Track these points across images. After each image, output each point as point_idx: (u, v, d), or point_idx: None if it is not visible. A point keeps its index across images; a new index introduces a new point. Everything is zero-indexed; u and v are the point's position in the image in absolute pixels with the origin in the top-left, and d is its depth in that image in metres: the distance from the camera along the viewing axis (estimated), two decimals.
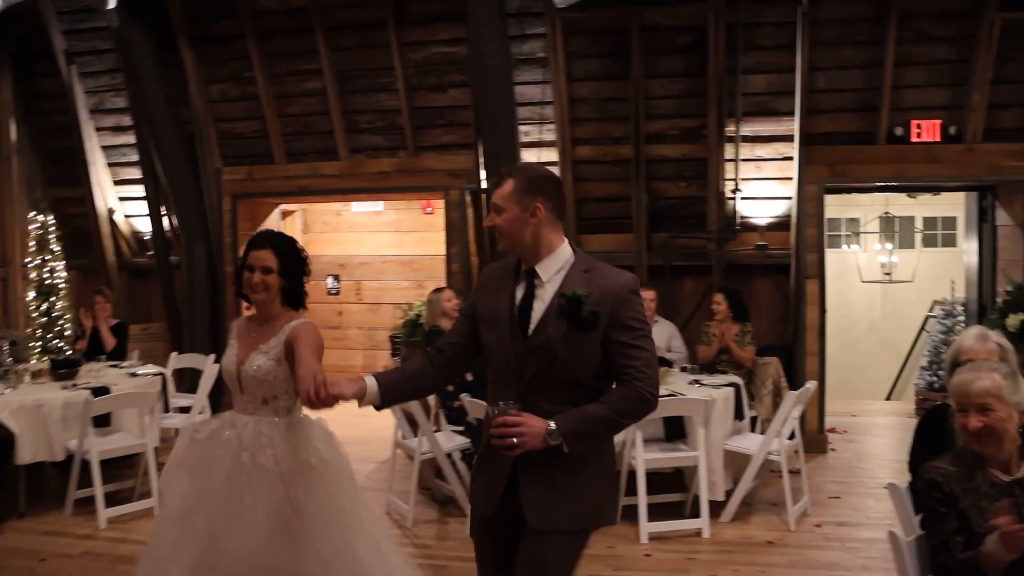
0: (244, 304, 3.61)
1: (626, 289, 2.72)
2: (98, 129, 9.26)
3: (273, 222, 9.44)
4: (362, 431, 8.38)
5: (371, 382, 2.78)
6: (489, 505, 2.79)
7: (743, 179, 7.78)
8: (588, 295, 2.66)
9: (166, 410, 6.97)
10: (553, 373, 2.69)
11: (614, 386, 2.73)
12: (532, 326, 2.72)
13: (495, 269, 2.94)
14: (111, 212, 9.47)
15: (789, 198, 7.77)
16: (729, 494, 5.65)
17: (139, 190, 9.27)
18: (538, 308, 2.73)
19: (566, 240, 2.84)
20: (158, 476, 5.98)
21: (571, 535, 2.76)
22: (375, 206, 10.31)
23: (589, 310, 2.65)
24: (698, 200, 7.96)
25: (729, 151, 7.70)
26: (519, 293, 2.79)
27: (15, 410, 5.78)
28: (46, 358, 8.13)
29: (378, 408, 2.87)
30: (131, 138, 9.11)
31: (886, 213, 12.32)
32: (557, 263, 2.77)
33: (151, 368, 7.08)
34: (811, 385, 5.87)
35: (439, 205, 9.54)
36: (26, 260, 8.94)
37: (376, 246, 10.39)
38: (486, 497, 2.81)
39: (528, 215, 2.73)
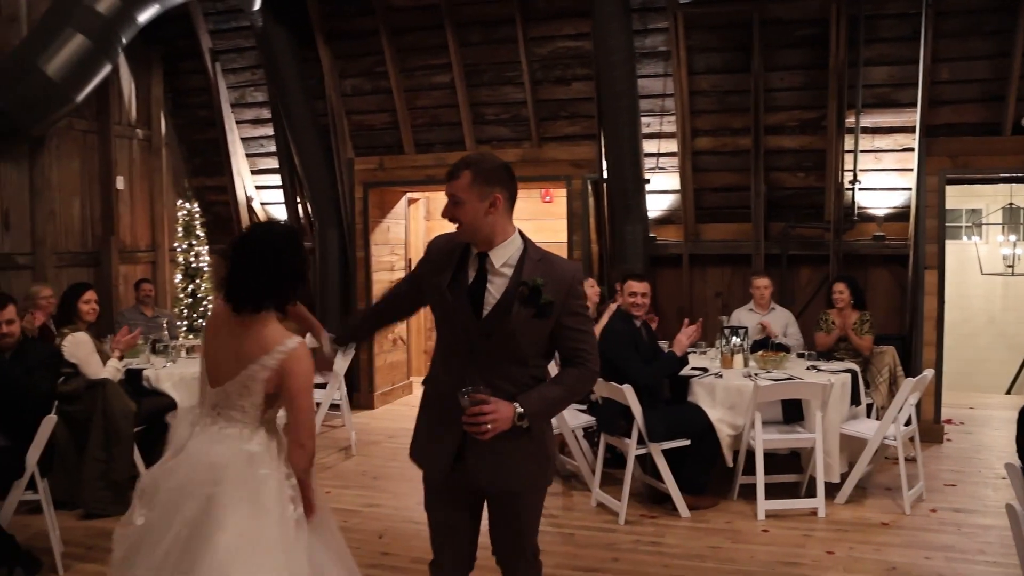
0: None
1: (575, 280, 2.95)
2: (239, 122, 9.88)
3: (400, 209, 9.91)
4: None
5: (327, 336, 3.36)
6: (439, 470, 3.02)
7: (862, 170, 7.84)
8: (545, 284, 2.86)
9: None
10: (505, 352, 2.90)
11: (564, 367, 3.00)
12: (486, 309, 2.90)
13: (444, 243, 3.07)
14: (250, 200, 10.09)
15: (908, 189, 7.81)
16: (844, 477, 5.82)
17: (276, 179, 9.86)
18: (493, 291, 2.91)
19: (517, 228, 2.98)
20: None
21: (532, 491, 3.06)
22: None
23: (547, 298, 2.87)
24: (816, 190, 8.07)
25: (848, 142, 7.78)
26: (471, 275, 2.95)
27: (176, 382, 6.36)
28: (192, 336, 8.79)
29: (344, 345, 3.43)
30: (269, 130, 9.70)
31: (1010, 204, 12.04)
32: (509, 250, 2.93)
33: None
34: (928, 373, 5.97)
35: (558, 194, 9.86)
36: (174, 245, 9.61)
37: None
38: (435, 462, 3.04)
39: (488, 205, 2.86)
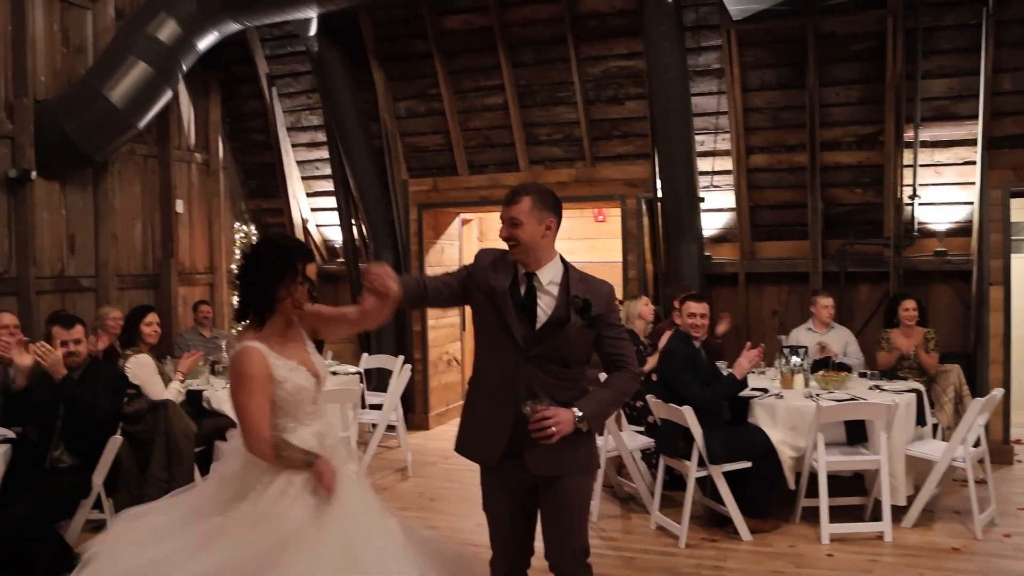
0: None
1: (612, 296, 3.33)
2: (295, 145, 10.02)
3: (454, 230, 9.95)
4: None
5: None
6: (492, 458, 3.27)
7: (921, 184, 7.70)
8: (592, 299, 3.20)
9: (362, 407, 7.54)
10: (553, 355, 3.22)
11: (609, 373, 3.34)
12: (539, 321, 3.21)
13: (491, 256, 3.34)
14: (305, 222, 10.22)
15: (970, 203, 7.64)
16: (911, 500, 5.68)
17: (331, 201, 9.97)
18: (543, 307, 3.23)
19: (558, 252, 3.32)
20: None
21: (581, 474, 3.31)
22: None
23: (596, 312, 3.21)
24: (874, 206, 7.94)
25: (907, 157, 7.65)
26: (522, 287, 3.25)
27: None
28: None
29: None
30: (324, 153, 9.82)
31: None
32: (553, 271, 3.26)
33: (349, 367, 7.66)
34: (997, 392, 5.81)
35: (611, 213, 9.83)
36: (231, 266, 9.75)
37: None
38: (487, 451, 3.29)
39: (544, 228, 3.22)
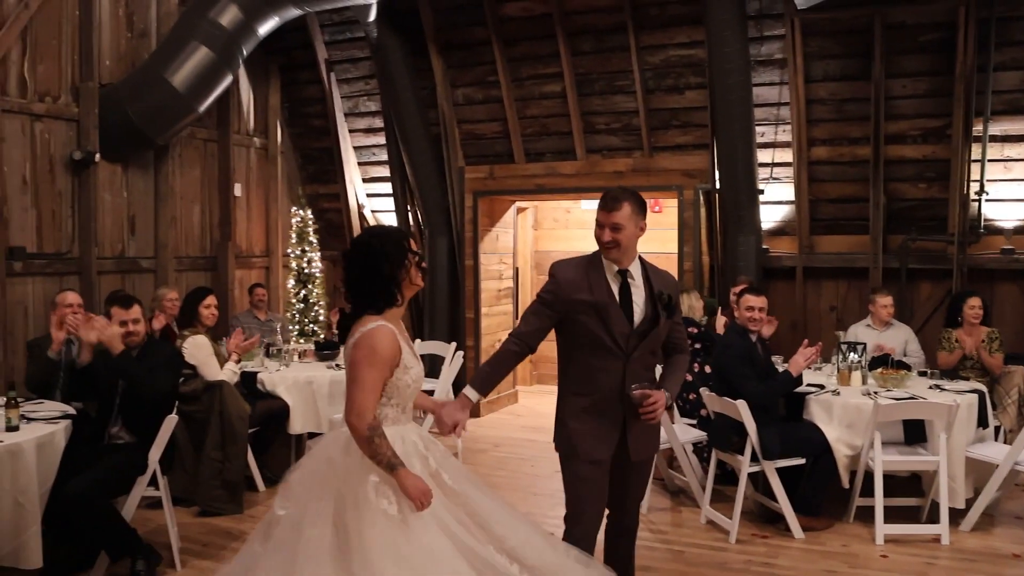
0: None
1: (676, 284, 3.73)
2: (352, 131, 10.08)
3: (509, 218, 9.94)
4: None
5: (472, 395, 3.45)
6: (609, 452, 3.52)
7: (989, 180, 7.49)
8: (665, 289, 3.57)
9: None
10: (649, 347, 3.55)
11: (670, 355, 3.73)
12: (636, 316, 3.50)
13: (572, 269, 3.56)
14: (361, 207, 10.28)
15: None
16: (970, 503, 5.52)
17: (387, 187, 10.02)
18: (636, 300, 3.52)
19: None
20: None
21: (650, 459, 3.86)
22: None
23: (674, 304, 3.60)
24: (939, 202, 7.74)
25: (975, 151, 7.44)
26: (615, 288, 3.49)
27: (289, 385, 6.51)
28: (302, 340, 8.99)
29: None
30: (381, 139, 9.86)
31: None
32: (636, 265, 3.56)
33: None
34: None
35: (668, 204, 9.71)
36: (287, 251, 9.85)
37: None
38: (605, 446, 3.52)
39: (639, 231, 3.51)
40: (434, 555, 2.81)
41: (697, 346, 6.52)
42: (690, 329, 6.70)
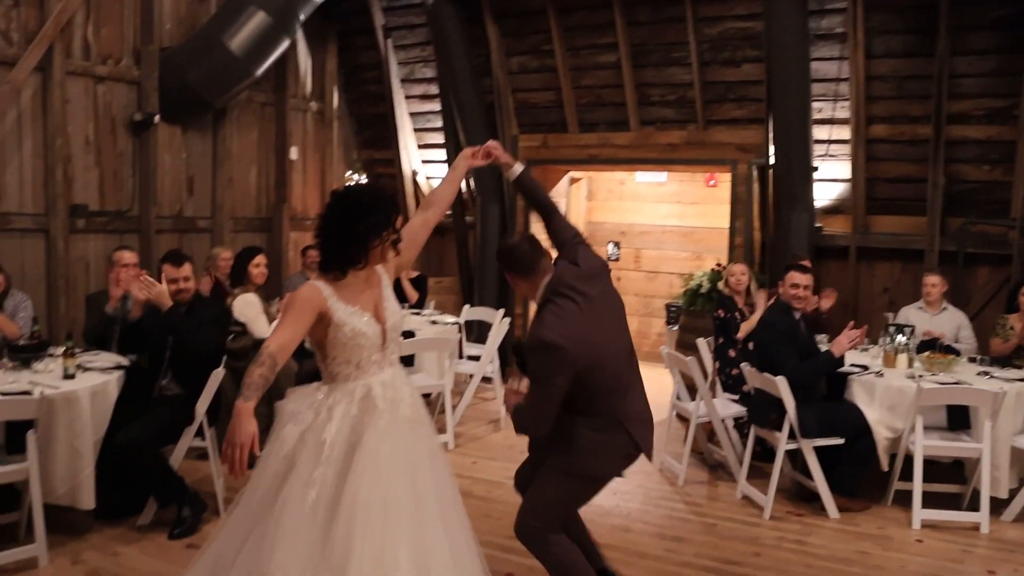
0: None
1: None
2: (407, 97, 10.15)
3: (562, 188, 9.94)
4: None
5: (519, 167, 3.68)
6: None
7: None
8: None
9: (460, 357, 7.65)
10: None
11: None
12: None
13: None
14: (415, 173, 10.37)
15: None
16: (1014, 493, 5.43)
17: (441, 154, 10.09)
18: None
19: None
20: (451, 414, 6.68)
21: None
22: (659, 176, 10.50)
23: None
24: (1002, 185, 7.54)
25: None
26: None
27: None
28: None
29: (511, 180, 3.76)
30: (436, 106, 9.91)
31: None
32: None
33: (448, 317, 7.79)
34: None
35: (723, 178, 9.64)
36: None
37: (657, 216, 10.58)
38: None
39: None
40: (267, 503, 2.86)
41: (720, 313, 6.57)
42: (717, 312, 6.68)
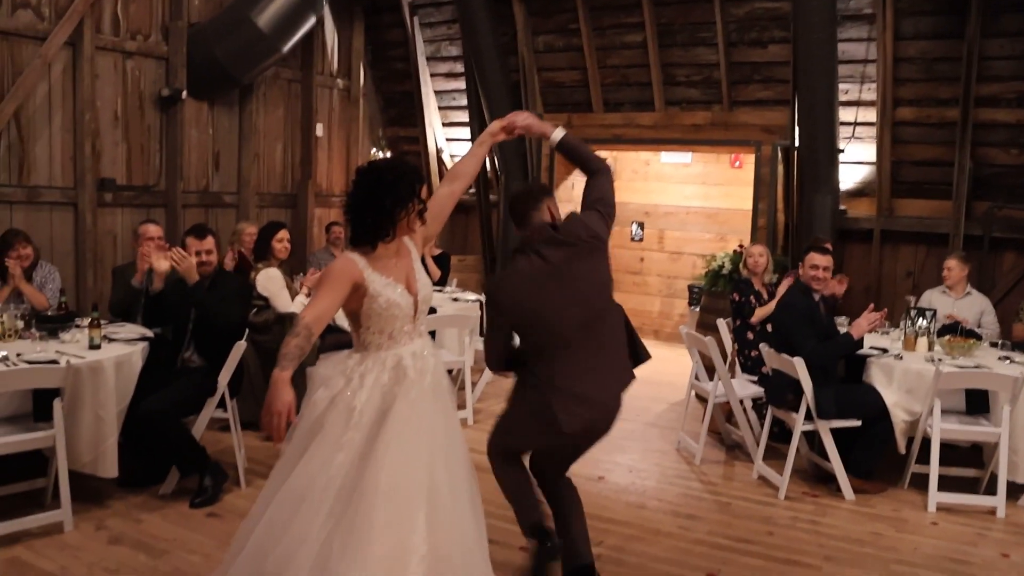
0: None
1: None
2: (433, 75, 10.18)
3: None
4: (655, 373, 8.78)
5: (559, 133, 3.62)
6: None
7: None
8: None
9: (480, 334, 7.69)
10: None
11: None
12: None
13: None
14: (440, 151, 10.41)
15: None
16: None
17: (465, 132, 10.12)
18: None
19: None
20: (471, 391, 6.74)
21: None
22: (683, 157, 10.46)
23: None
24: None
25: None
26: None
27: None
28: None
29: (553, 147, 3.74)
30: (462, 84, 9.93)
31: None
32: None
33: (469, 295, 7.84)
34: None
35: (747, 160, 9.59)
36: None
37: (682, 197, 10.54)
38: None
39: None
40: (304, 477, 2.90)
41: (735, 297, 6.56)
42: (733, 295, 6.67)
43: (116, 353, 4.65)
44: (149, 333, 5.18)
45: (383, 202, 3.00)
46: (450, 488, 3.04)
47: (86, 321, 4.97)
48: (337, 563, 2.76)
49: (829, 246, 6.24)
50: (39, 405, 4.43)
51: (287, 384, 2.77)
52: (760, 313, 6.40)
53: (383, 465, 2.89)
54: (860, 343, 5.40)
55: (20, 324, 4.91)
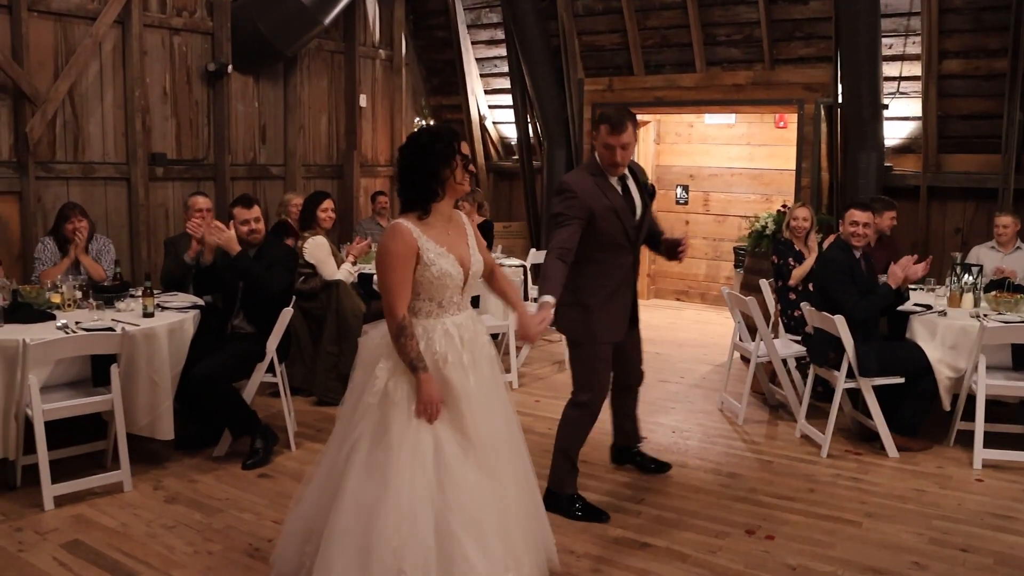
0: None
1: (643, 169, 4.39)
2: (474, 43, 10.20)
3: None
4: (700, 336, 8.81)
5: (551, 300, 3.76)
6: (622, 331, 4.30)
7: None
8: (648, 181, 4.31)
9: (525, 299, 7.77)
10: (643, 238, 4.34)
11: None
12: (637, 213, 4.17)
13: (582, 180, 4.06)
14: (482, 119, 10.45)
15: None
16: None
17: (507, 99, 10.13)
18: (635, 198, 4.17)
19: None
20: (515, 354, 6.84)
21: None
22: (727, 118, 10.35)
23: (652, 188, 4.38)
24: None
25: None
26: (620, 191, 4.10)
27: None
28: None
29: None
30: (502, 51, 9.94)
31: None
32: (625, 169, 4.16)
33: (513, 260, 7.91)
34: None
35: (792, 119, 9.47)
36: None
37: (726, 158, 10.45)
38: (620, 326, 4.28)
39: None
40: (404, 461, 3.02)
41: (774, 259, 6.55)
42: (772, 257, 6.63)
43: (169, 321, 4.84)
44: (200, 302, 5.35)
45: (426, 164, 3.11)
46: (512, 448, 3.27)
47: (140, 291, 5.15)
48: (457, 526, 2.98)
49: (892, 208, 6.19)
50: (97, 371, 4.64)
51: (431, 381, 3.05)
52: (797, 274, 6.38)
53: (454, 431, 3.11)
54: (900, 294, 5.36)
55: (79, 294, 5.12)
